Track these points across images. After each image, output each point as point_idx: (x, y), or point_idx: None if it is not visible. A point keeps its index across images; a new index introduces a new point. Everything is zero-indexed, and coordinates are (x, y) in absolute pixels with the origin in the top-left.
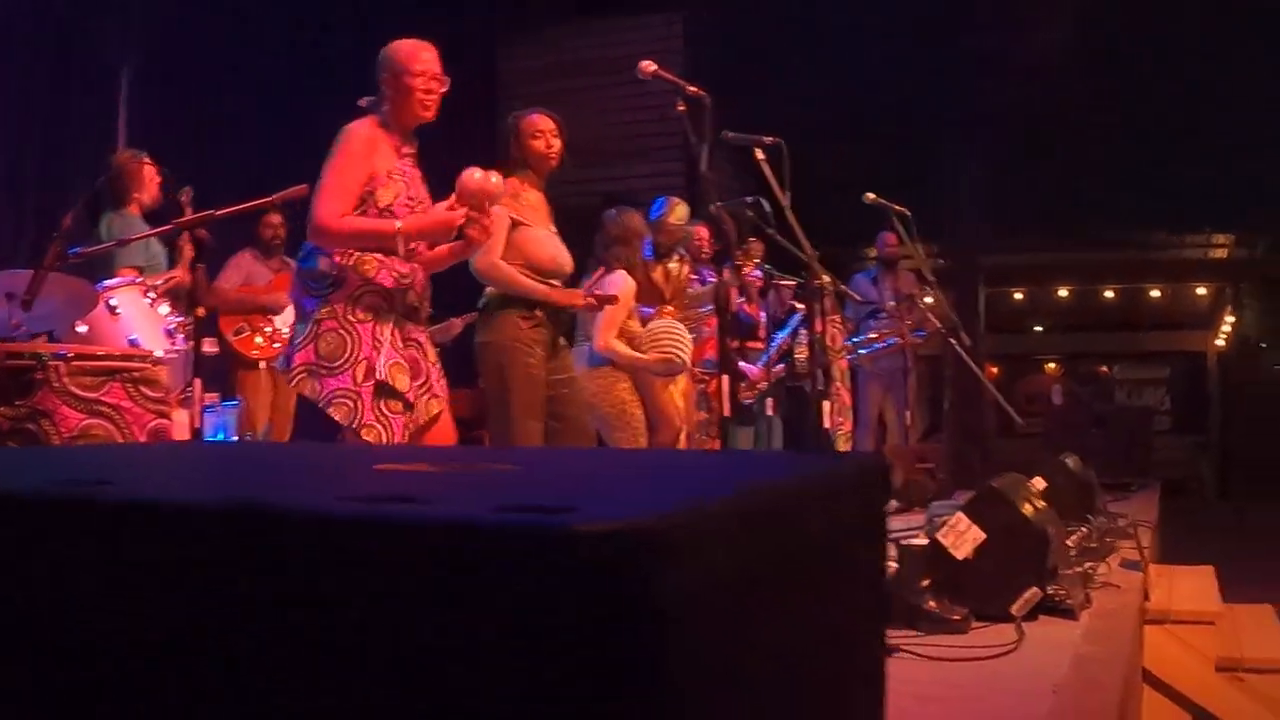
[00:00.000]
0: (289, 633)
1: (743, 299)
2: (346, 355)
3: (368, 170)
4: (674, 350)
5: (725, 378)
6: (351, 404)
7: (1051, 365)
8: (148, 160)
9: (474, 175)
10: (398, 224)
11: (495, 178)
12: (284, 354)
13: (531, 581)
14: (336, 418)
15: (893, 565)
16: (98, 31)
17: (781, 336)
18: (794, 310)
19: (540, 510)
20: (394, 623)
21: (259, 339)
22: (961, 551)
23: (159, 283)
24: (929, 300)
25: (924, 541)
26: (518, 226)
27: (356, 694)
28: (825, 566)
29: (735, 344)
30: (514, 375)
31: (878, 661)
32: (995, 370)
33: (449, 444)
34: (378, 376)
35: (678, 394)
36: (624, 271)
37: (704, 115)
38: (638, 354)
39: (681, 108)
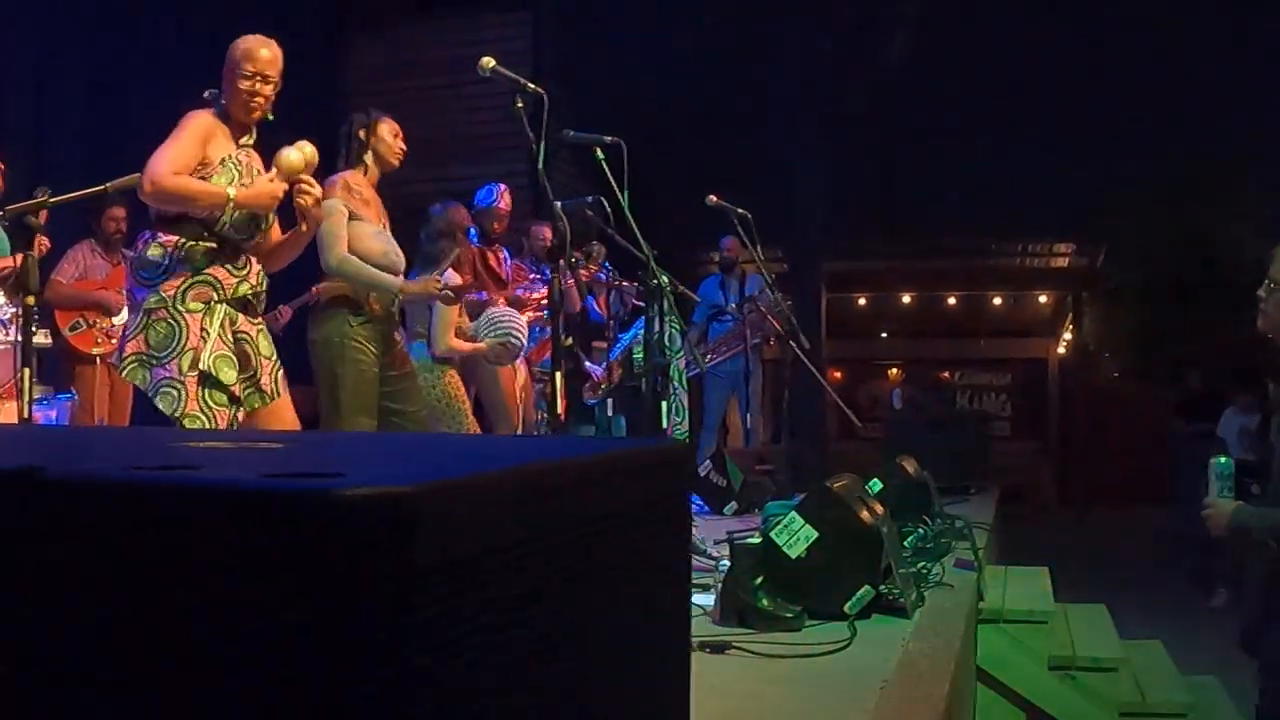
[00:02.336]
0: (64, 597)
1: (590, 296)
2: (174, 345)
3: (201, 150)
4: (510, 336)
5: (560, 378)
6: (176, 393)
7: (894, 371)
8: None
9: (292, 154)
10: (230, 191)
11: (308, 147)
12: (118, 346)
13: (292, 544)
14: (161, 407)
15: (726, 563)
16: None
17: (627, 338)
18: (640, 313)
19: (304, 476)
20: (161, 587)
21: (97, 335)
22: (795, 550)
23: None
24: (770, 298)
25: (758, 540)
26: (353, 219)
27: (126, 658)
28: (611, 545)
29: (569, 342)
30: (344, 373)
31: (680, 648)
32: (838, 375)
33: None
34: (201, 367)
35: (516, 389)
36: (451, 270)
37: (542, 113)
38: (476, 343)
39: (520, 105)
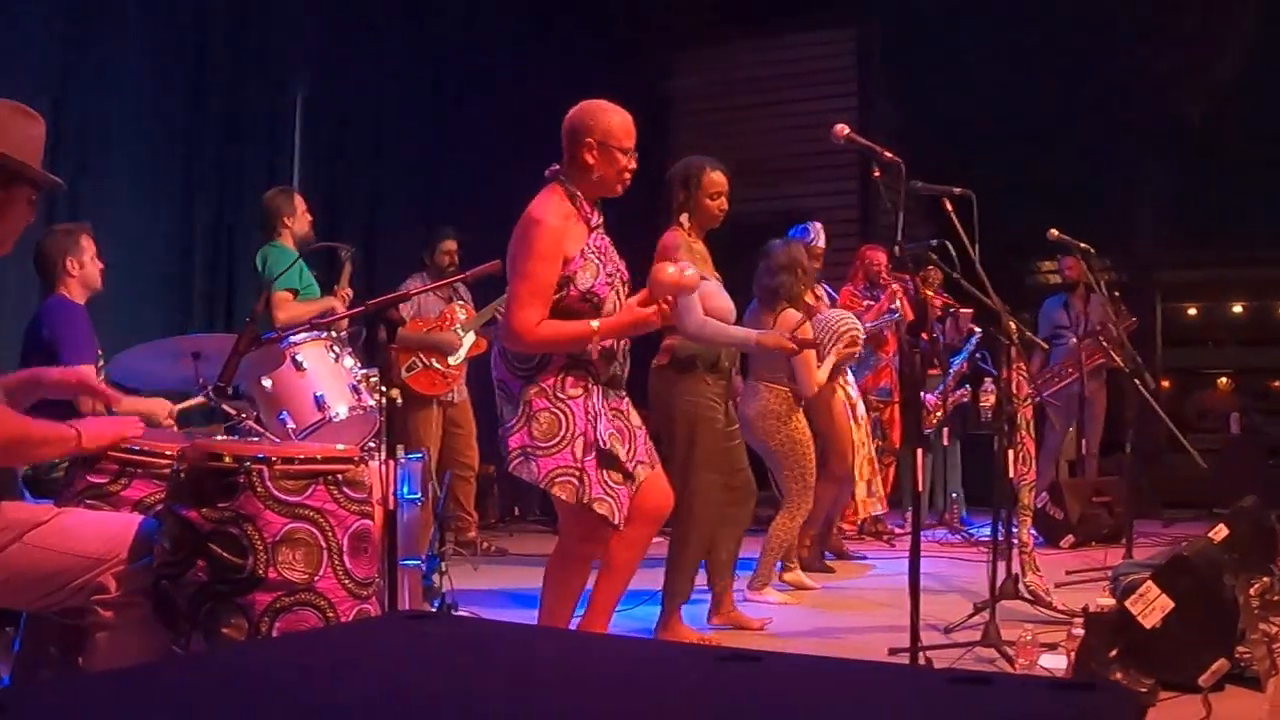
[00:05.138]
0: None
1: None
2: (561, 433)
3: (559, 262)
4: (850, 330)
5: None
6: (576, 481)
7: (1223, 380)
8: (298, 193)
9: (668, 270)
10: (594, 324)
11: (689, 270)
12: (503, 439)
13: None
14: (562, 496)
15: (1078, 633)
16: (270, 53)
17: (959, 361)
18: (972, 333)
19: None
20: None
21: (434, 377)
22: (1150, 620)
23: (342, 335)
24: (1113, 332)
25: (1110, 602)
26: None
27: None
28: None
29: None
30: (701, 433)
31: None
32: (1166, 384)
33: (665, 503)
34: (601, 446)
35: (849, 419)
36: (790, 310)
37: (900, 180)
38: (828, 364)
39: (877, 174)
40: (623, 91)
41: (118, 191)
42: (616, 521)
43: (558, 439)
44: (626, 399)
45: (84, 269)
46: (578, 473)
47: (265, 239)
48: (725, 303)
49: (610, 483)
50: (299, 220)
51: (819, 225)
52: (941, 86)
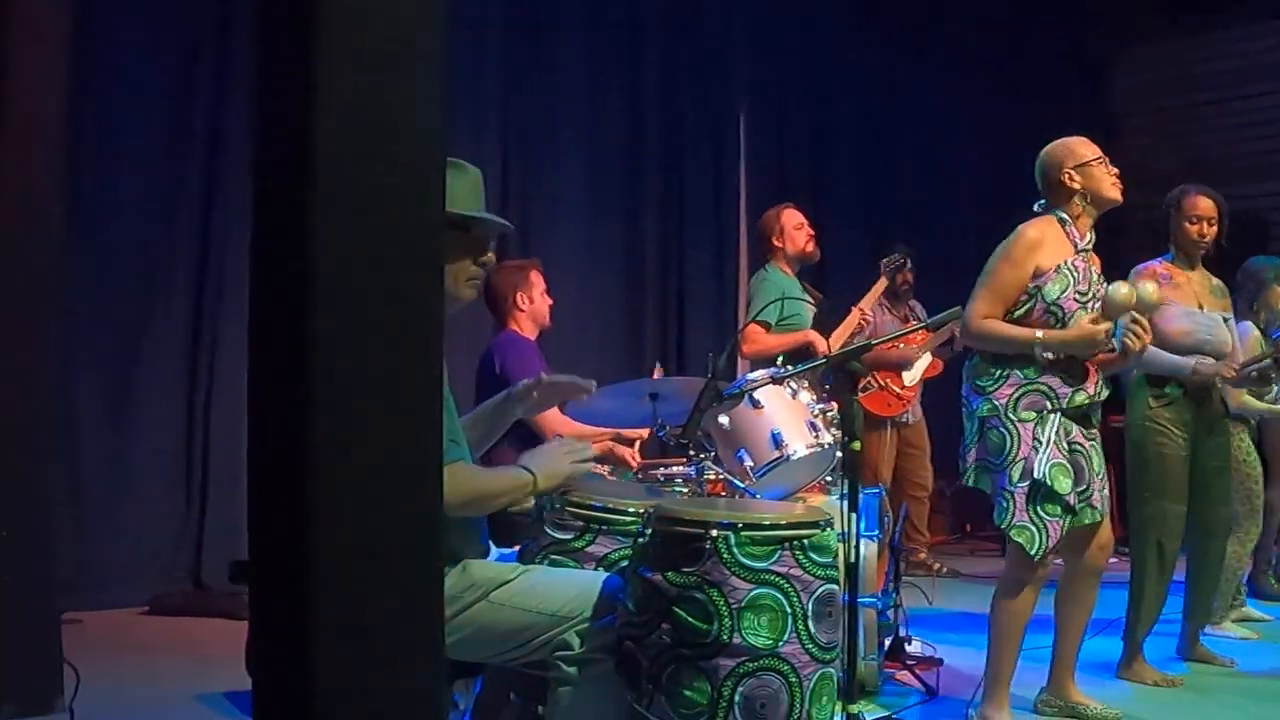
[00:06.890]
0: None
1: None
2: (1005, 453)
3: (1027, 271)
4: None
5: None
6: (1005, 504)
7: None
8: (789, 208)
9: (1120, 289)
10: (1038, 334)
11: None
12: (963, 455)
13: None
14: (994, 516)
15: None
16: (710, 75)
17: None
18: None
19: None
20: None
21: (889, 398)
22: None
23: (800, 368)
24: None
25: None
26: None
27: None
28: None
29: None
30: (1143, 455)
31: None
32: None
33: (1102, 559)
34: (1035, 475)
35: None
36: (1249, 323)
37: None
38: (1269, 405)
39: None
40: (1068, 96)
41: (563, 228)
42: (1033, 552)
43: (1001, 457)
44: (1096, 439)
45: (533, 304)
46: (1008, 496)
47: (760, 262)
48: (1180, 326)
49: (1043, 514)
50: (789, 238)
51: None
52: None
